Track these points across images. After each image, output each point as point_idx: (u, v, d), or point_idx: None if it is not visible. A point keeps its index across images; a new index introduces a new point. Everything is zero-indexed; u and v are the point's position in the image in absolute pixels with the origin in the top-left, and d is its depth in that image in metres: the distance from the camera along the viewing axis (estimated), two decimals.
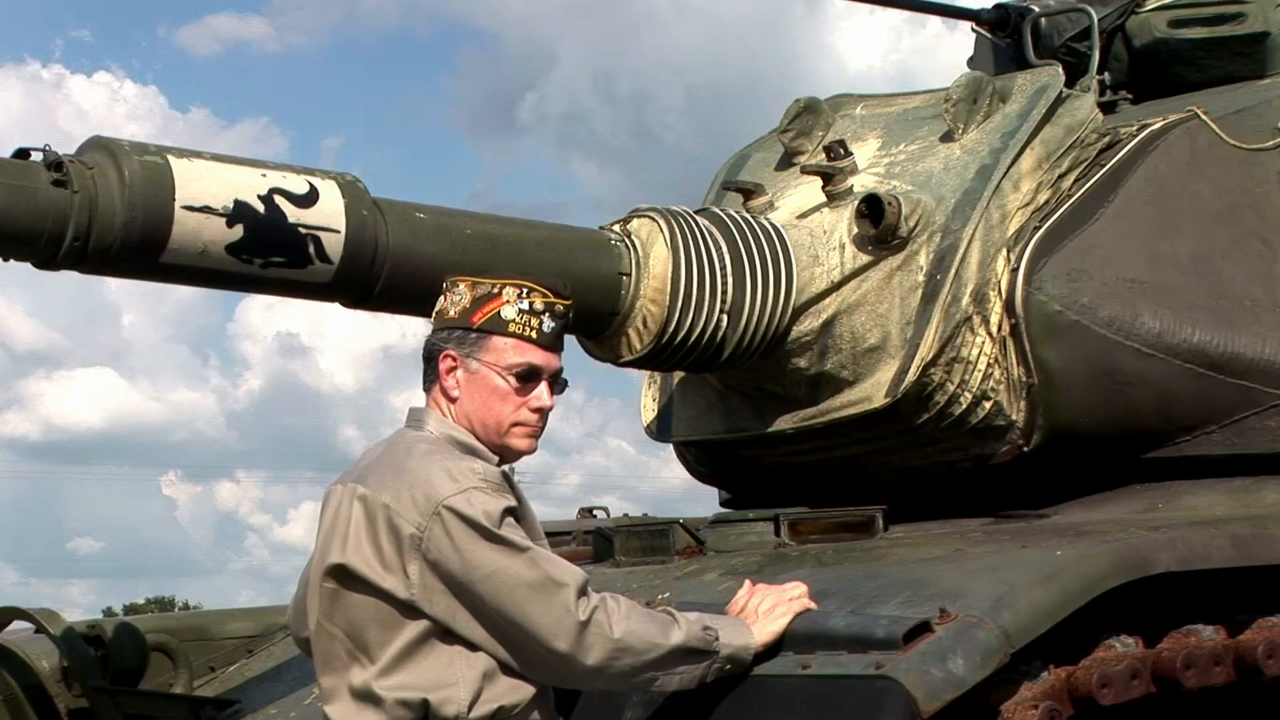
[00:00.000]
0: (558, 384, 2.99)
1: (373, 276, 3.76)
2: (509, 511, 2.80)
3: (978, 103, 4.37)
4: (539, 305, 2.95)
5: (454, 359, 2.93)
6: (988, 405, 4.18)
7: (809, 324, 4.25)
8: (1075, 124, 4.34)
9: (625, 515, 5.94)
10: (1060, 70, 4.49)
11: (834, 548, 3.84)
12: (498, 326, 2.93)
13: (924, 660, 2.72)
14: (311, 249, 3.64)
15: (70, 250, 3.41)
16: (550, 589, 2.75)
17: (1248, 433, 4.32)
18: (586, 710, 3.06)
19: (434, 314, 3.02)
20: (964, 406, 4.18)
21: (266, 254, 3.59)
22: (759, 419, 4.45)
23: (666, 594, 3.28)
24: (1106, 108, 4.81)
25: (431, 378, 2.98)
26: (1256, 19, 5.14)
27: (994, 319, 4.15)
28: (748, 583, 3.10)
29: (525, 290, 2.95)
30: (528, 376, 2.93)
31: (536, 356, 2.93)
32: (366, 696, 2.79)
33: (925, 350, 4.10)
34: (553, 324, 2.96)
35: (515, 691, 2.81)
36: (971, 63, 5.47)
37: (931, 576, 3.10)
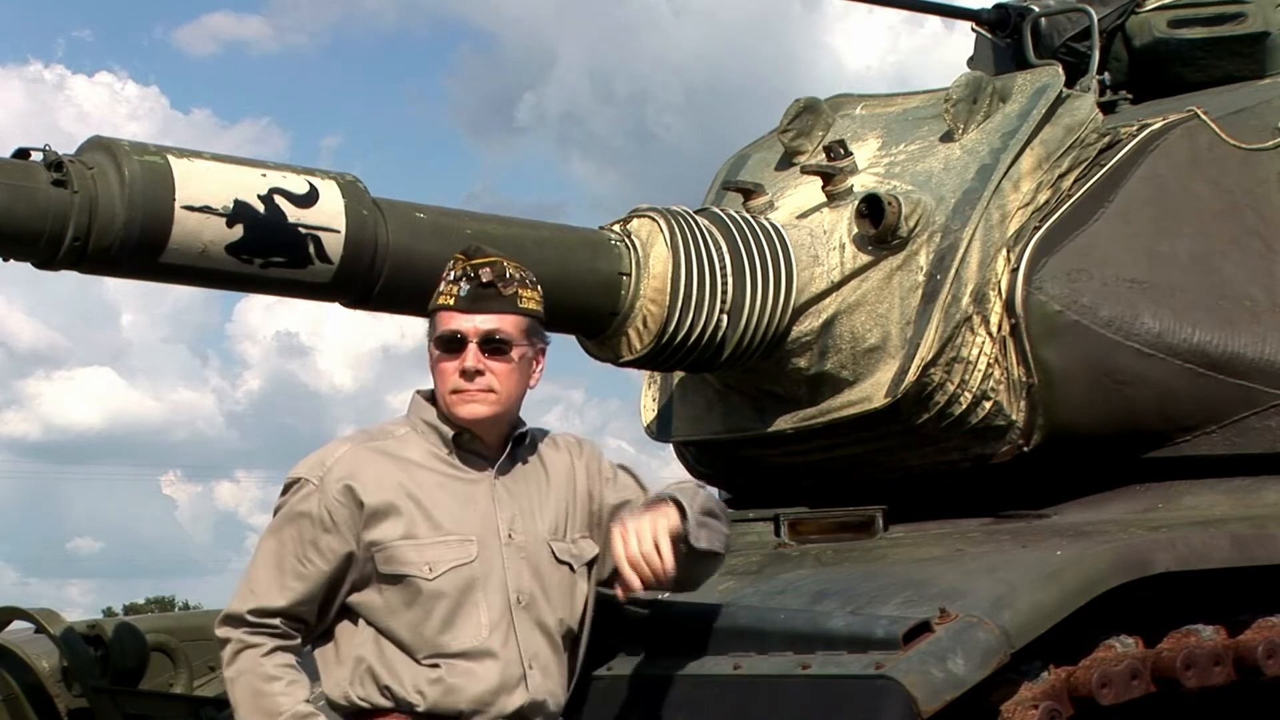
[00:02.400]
0: (492, 345, 2.92)
1: (373, 276, 3.76)
2: (296, 514, 2.91)
3: (978, 103, 4.37)
4: (456, 273, 2.96)
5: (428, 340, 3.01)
6: (988, 405, 4.18)
7: (809, 324, 4.25)
8: (1075, 124, 4.34)
9: None
10: (1060, 70, 4.48)
11: (834, 548, 3.85)
12: (433, 305, 2.99)
13: (924, 660, 2.73)
14: (311, 249, 3.64)
15: (70, 250, 3.40)
16: (238, 589, 2.95)
17: (1248, 433, 4.32)
18: (586, 710, 3.06)
19: None
20: (964, 406, 4.18)
21: (266, 254, 3.59)
22: (759, 419, 4.45)
23: (666, 594, 3.28)
24: (1106, 108, 4.81)
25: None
26: (1256, 19, 5.14)
27: (994, 319, 4.15)
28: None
29: (453, 262, 2.99)
30: (449, 343, 2.93)
31: (454, 321, 2.92)
32: None
33: (925, 350, 4.10)
34: (468, 286, 2.93)
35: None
36: (971, 63, 5.47)
37: (931, 576, 3.10)
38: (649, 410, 4.84)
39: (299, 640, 2.93)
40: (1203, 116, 4.49)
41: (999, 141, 4.29)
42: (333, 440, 3.00)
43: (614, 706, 3.01)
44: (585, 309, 4.11)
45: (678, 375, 4.66)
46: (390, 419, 3.04)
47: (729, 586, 3.36)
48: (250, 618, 2.90)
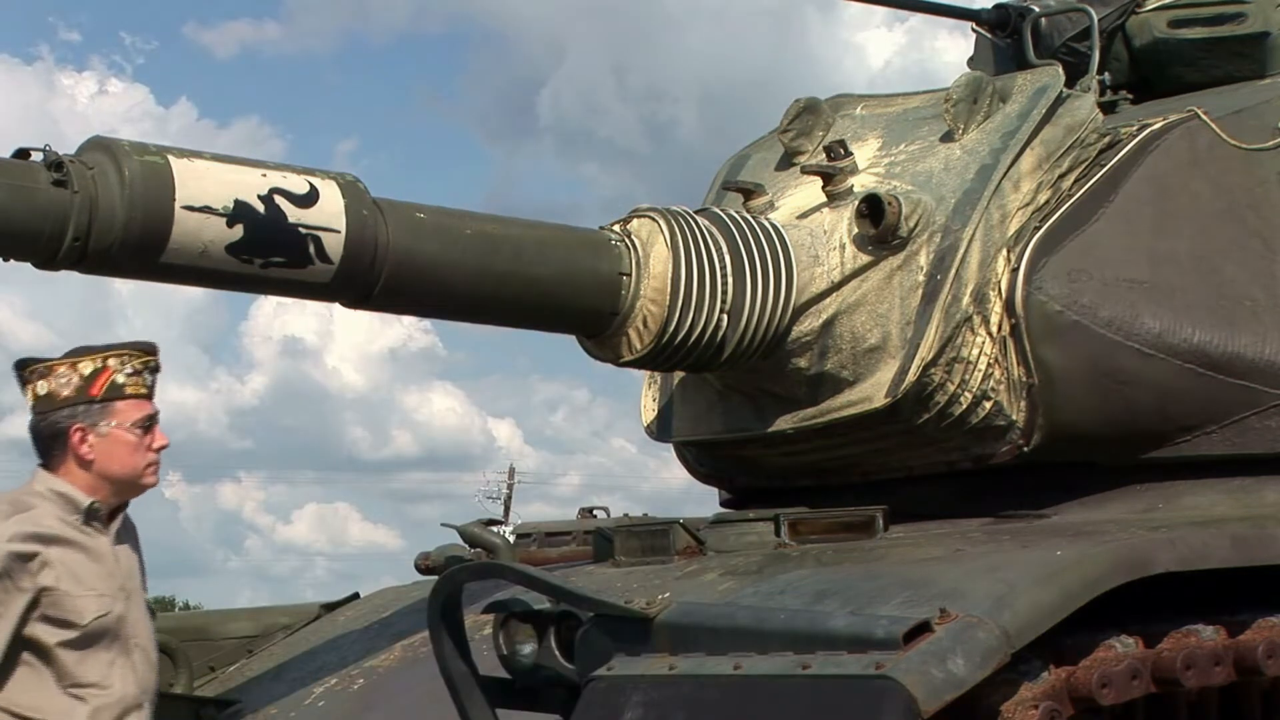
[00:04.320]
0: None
1: (373, 276, 3.76)
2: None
3: (978, 103, 4.37)
4: (139, 366, 3.45)
5: (83, 430, 3.39)
6: (988, 405, 4.18)
7: (809, 324, 4.25)
8: (1075, 124, 4.34)
9: (625, 515, 5.93)
10: (1060, 70, 4.49)
11: (834, 548, 3.84)
12: (116, 393, 3.42)
13: (924, 660, 2.72)
14: (311, 249, 3.64)
15: (70, 250, 3.41)
16: None
17: (1248, 433, 4.32)
18: (587, 710, 3.06)
19: (35, 399, 3.41)
20: (964, 406, 4.18)
21: (266, 254, 3.60)
22: (759, 419, 4.45)
23: (666, 594, 3.28)
24: (1106, 108, 4.81)
25: (59, 451, 3.42)
26: (1256, 19, 5.14)
27: (994, 319, 4.15)
28: None
29: (126, 358, 3.43)
30: (148, 425, 3.46)
31: (149, 408, 3.47)
32: None
33: (925, 350, 4.10)
34: (150, 378, 3.48)
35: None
36: (971, 63, 5.47)
37: (931, 576, 3.09)
38: (649, 410, 4.84)
39: None
40: (1203, 116, 4.48)
41: (999, 141, 4.29)
42: None
43: (614, 706, 3.01)
44: (585, 309, 4.11)
45: (678, 375, 4.67)
46: (18, 490, 3.45)
47: (729, 586, 3.36)
48: None
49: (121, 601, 3.42)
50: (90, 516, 3.42)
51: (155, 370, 3.51)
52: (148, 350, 3.50)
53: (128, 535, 3.55)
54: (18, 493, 3.46)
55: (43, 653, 3.30)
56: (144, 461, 3.46)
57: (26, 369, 3.45)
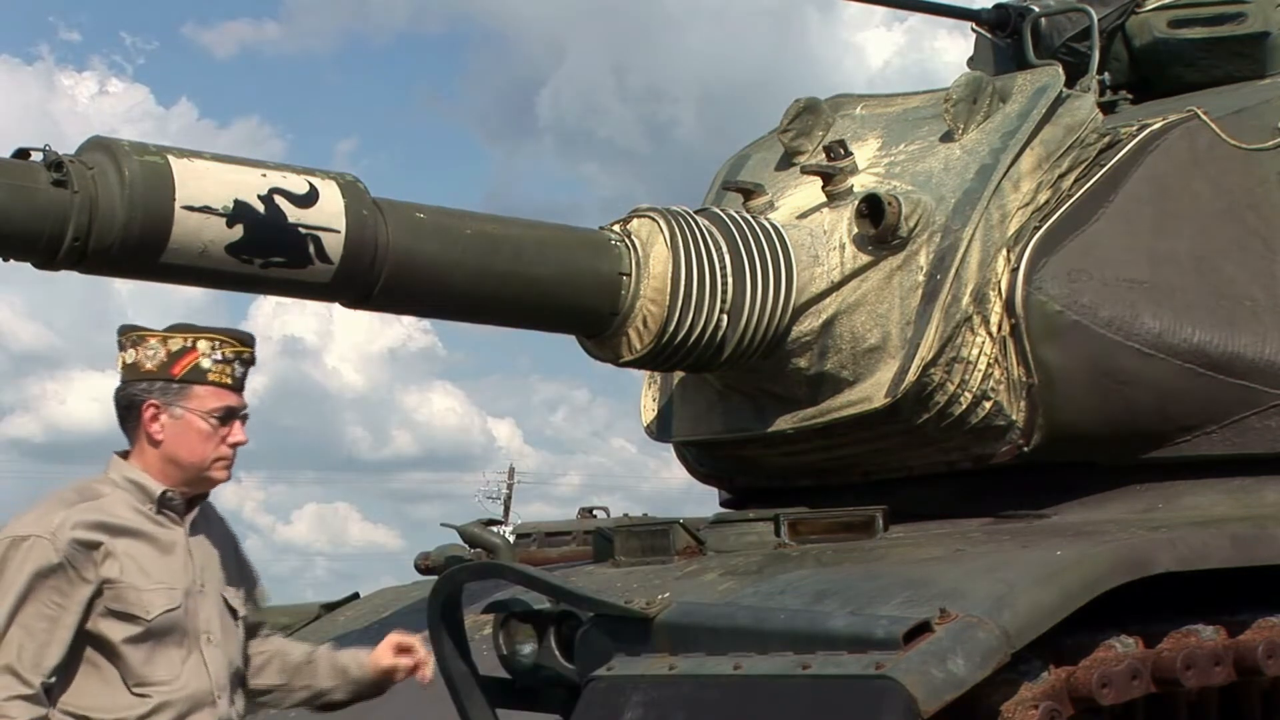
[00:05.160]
0: (243, 420, 3.33)
1: (373, 276, 3.76)
2: (41, 573, 3.08)
3: (978, 103, 4.37)
4: (230, 354, 3.28)
5: (157, 407, 3.22)
6: (988, 405, 4.18)
7: (809, 324, 4.25)
8: (1075, 124, 4.34)
9: (625, 515, 5.93)
10: (1060, 70, 4.49)
11: (834, 548, 3.84)
12: (198, 377, 3.24)
13: (924, 660, 2.72)
14: (311, 249, 3.64)
15: (70, 250, 3.41)
16: None
17: (1248, 433, 4.32)
18: (587, 710, 3.07)
19: (123, 366, 3.26)
20: (964, 406, 4.18)
21: (266, 254, 3.60)
22: (759, 419, 4.45)
23: (666, 594, 3.28)
24: (1106, 108, 4.81)
25: (133, 424, 3.26)
26: (1256, 19, 5.14)
27: (994, 319, 4.15)
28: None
29: (218, 343, 3.27)
30: (226, 418, 3.26)
31: (232, 400, 3.28)
32: None
33: (925, 350, 4.10)
34: (242, 370, 3.31)
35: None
36: (971, 63, 5.48)
37: (931, 576, 3.09)
38: (649, 410, 4.84)
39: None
40: (1203, 116, 4.48)
41: (999, 141, 4.29)
42: (42, 507, 3.19)
43: (614, 706, 3.01)
44: (585, 309, 4.11)
45: (678, 375, 4.67)
46: (82, 482, 3.29)
47: (729, 586, 3.36)
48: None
49: (195, 596, 3.24)
50: (163, 505, 3.25)
51: (248, 363, 3.33)
52: (243, 340, 3.32)
53: (208, 527, 3.37)
54: (90, 480, 3.29)
55: (109, 650, 3.14)
56: (214, 454, 3.27)
57: (124, 335, 3.29)
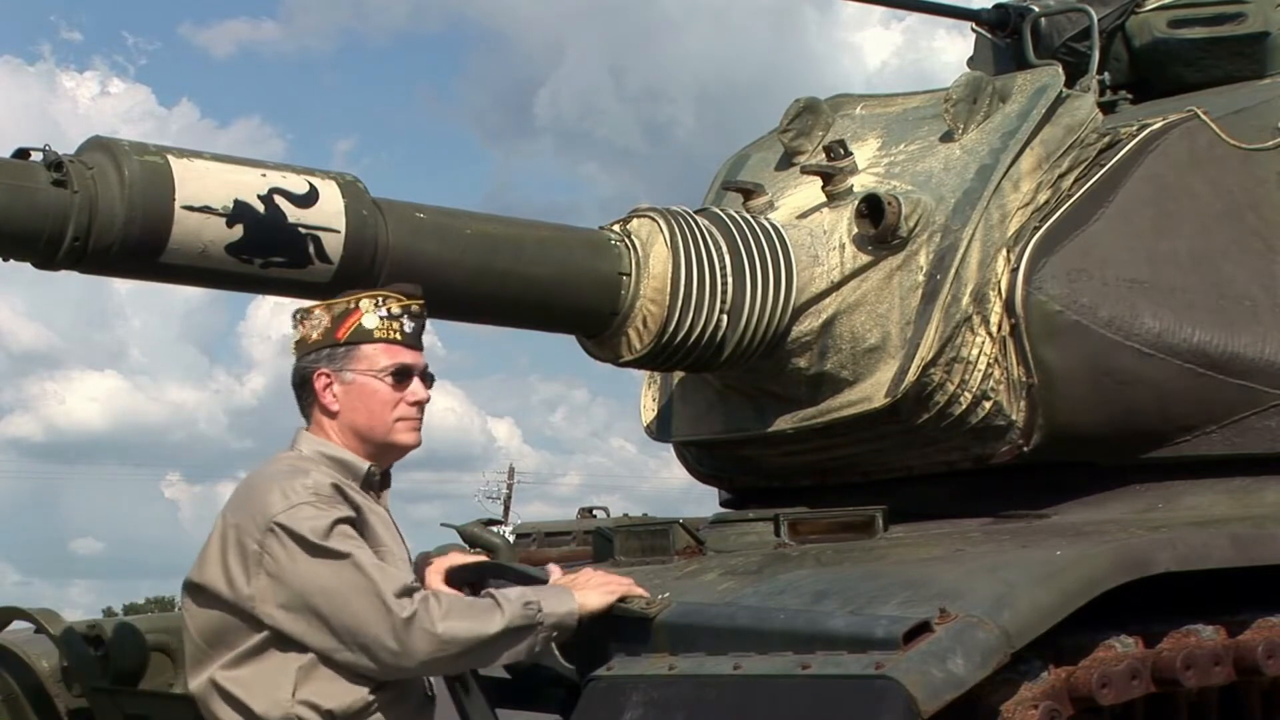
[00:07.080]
0: (427, 379, 3.17)
1: (373, 276, 3.76)
2: (339, 522, 2.95)
3: (978, 103, 4.37)
4: (396, 309, 3.15)
5: (328, 375, 3.12)
6: (988, 405, 4.18)
7: (809, 324, 4.25)
8: (1075, 124, 4.34)
9: (625, 515, 5.95)
10: (1060, 70, 4.48)
11: (834, 548, 3.84)
12: (363, 336, 3.12)
13: (924, 660, 2.72)
14: (311, 249, 3.64)
15: (70, 250, 3.41)
16: (372, 592, 2.90)
17: (1248, 433, 4.32)
18: (587, 710, 3.07)
19: (294, 345, 3.18)
20: (964, 406, 4.18)
21: (266, 254, 3.60)
22: (759, 419, 4.45)
23: (666, 594, 3.28)
24: (1106, 108, 4.81)
25: (308, 400, 3.16)
26: (1256, 19, 5.14)
27: (994, 319, 4.15)
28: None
29: (381, 299, 3.14)
30: (401, 375, 3.13)
31: (405, 355, 3.14)
32: (212, 689, 3.00)
33: (925, 350, 4.11)
34: (413, 324, 3.16)
35: (347, 695, 2.95)
36: (971, 63, 5.48)
37: (931, 576, 3.10)
38: (649, 410, 4.85)
39: None
40: (1203, 116, 4.48)
41: (999, 141, 4.29)
42: (279, 478, 3.04)
43: (614, 706, 3.01)
44: (585, 309, 4.11)
45: (678, 375, 4.67)
46: (290, 456, 3.13)
47: (729, 586, 3.36)
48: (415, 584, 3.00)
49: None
50: (369, 482, 3.12)
51: (418, 316, 3.15)
52: (408, 294, 3.16)
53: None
54: (290, 457, 3.11)
55: None
56: (394, 415, 3.10)
57: (294, 316, 3.20)
